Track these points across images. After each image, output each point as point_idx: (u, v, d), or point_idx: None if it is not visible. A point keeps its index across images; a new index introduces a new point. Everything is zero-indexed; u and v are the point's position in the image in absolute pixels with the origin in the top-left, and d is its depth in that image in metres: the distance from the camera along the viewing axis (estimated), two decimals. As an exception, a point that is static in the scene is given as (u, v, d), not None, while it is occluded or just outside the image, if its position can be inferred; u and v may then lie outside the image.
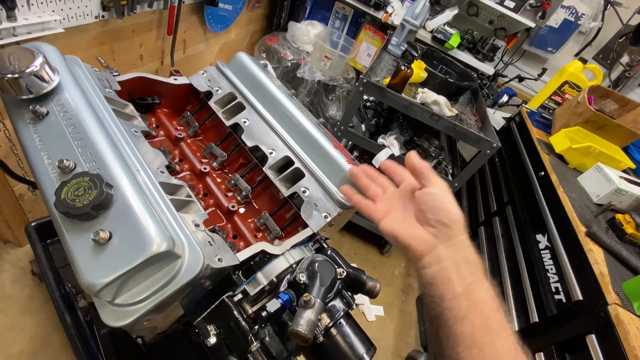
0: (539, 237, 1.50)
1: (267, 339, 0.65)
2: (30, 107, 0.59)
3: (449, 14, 2.28)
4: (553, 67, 2.49)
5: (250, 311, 0.65)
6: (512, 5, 2.23)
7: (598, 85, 2.00)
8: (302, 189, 0.82)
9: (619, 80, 2.47)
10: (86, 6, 1.21)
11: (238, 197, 0.90)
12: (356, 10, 2.56)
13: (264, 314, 0.59)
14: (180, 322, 0.72)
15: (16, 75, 0.58)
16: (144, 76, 0.91)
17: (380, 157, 1.72)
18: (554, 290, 1.28)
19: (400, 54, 2.11)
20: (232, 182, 0.91)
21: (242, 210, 0.89)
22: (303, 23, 2.60)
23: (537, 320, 1.30)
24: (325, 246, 0.78)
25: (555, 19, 2.44)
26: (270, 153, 0.86)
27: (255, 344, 0.61)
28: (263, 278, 0.67)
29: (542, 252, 1.44)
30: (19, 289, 1.41)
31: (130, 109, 0.81)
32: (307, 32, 2.54)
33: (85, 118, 0.60)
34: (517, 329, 1.38)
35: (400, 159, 1.74)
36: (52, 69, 0.63)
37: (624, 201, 1.43)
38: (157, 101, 0.97)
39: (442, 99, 1.60)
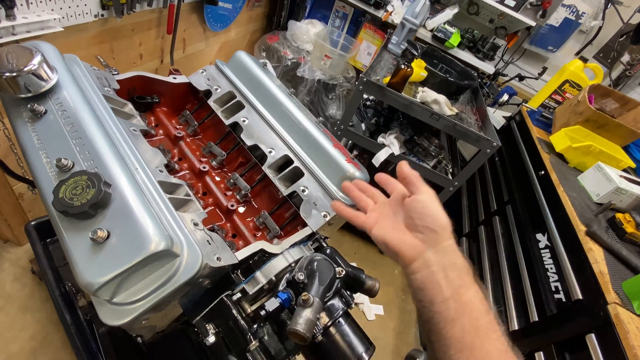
0: (539, 236, 1.50)
1: (265, 338, 0.65)
2: (29, 106, 0.59)
3: (449, 13, 2.28)
4: (553, 66, 2.48)
5: (249, 310, 0.65)
6: (512, 3, 2.22)
7: (598, 84, 2.00)
8: (302, 188, 0.82)
9: (619, 79, 2.46)
10: (85, 5, 1.21)
11: (237, 196, 0.90)
12: (356, 9, 2.56)
13: (262, 313, 0.59)
14: (180, 321, 0.72)
15: (14, 74, 0.57)
16: (143, 75, 0.90)
17: (380, 157, 1.72)
18: (553, 289, 1.28)
19: (400, 52, 2.11)
20: (232, 181, 0.91)
21: (241, 209, 0.89)
22: (303, 22, 2.60)
23: (537, 319, 1.30)
24: (325, 245, 0.78)
25: (556, 18, 2.43)
26: (270, 152, 0.86)
27: (254, 343, 0.61)
28: (262, 277, 0.67)
29: (542, 251, 1.44)
30: (18, 288, 1.41)
31: (129, 107, 0.81)
32: (307, 31, 2.53)
33: (84, 117, 0.60)
34: (516, 328, 1.38)
35: (400, 158, 1.74)
36: (50, 68, 0.63)
37: (624, 200, 1.43)
38: (157, 100, 0.97)
39: (442, 98, 1.60)
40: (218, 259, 0.58)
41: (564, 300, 1.21)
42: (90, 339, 1.13)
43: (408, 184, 0.56)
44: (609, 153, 1.65)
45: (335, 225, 0.87)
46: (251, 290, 0.66)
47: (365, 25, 2.56)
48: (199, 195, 0.89)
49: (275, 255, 0.70)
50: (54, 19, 1.12)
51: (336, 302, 0.65)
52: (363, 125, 1.96)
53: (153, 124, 0.96)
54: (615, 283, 1.06)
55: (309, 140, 0.86)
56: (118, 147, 0.61)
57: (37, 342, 1.30)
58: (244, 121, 0.90)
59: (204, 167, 0.90)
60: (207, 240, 0.60)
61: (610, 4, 2.31)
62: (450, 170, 1.85)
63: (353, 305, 0.69)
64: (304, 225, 0.79)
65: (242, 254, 0.66)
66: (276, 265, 0.68)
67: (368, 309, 1.95)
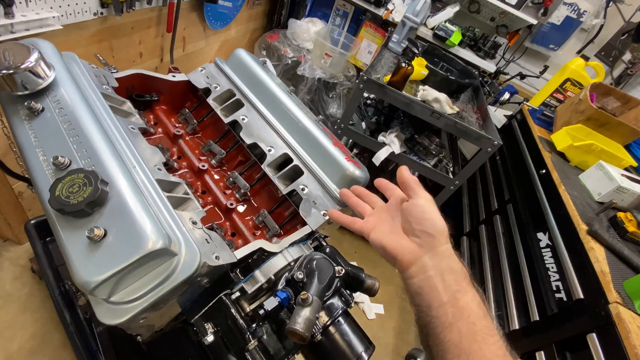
0: (540, 235, 1.49)
1: (264, 337, 0.64)
2: (26, 103, 0.58)
3: (450, 11, 2.27)
4: (555, 65, 2.47)
5: (248, 309, 0.64)
6: (514, 2, 2.21)
7: (600, 82, 1.99)
8: (301, 187, 0.81)
9: (621, 77, 2.45)
10: (84, 3, 1.20)
11: (236, 195, 0.89)
12: (357, 8, 2.55)
13: (261, 312, 0.58)
14: (178, 320, 0.72)
15: (11, 71, 0.57)
16: (142, 73, 0.90)
17: (381, 155, 1.71)
18: (554, 288, 1.27)
19: (401, 51, 2.10)
20: (231, 179, 0.91)
21: (240, 208, 0.89)
22: (303, 20, 2.59)
23: (538, 318, 1.29)
24: (324, 244, 0.77)
25: (557, 16, 2.42)
26: (269, 150, 0.86)
27: (252, 342, 0.61)
28: (261, 276, 0.67)
29: (543, 250, 1.43)
30: (18, 287, 1.41)
31: (128, 105, 0.80)
32: (308, 30, 2.53)
33: (81, 114, 0.60)
34: (517, 327, 1.38)
35: (400, 157, 1.73)
36: (47, 65, 0.63)
37: (625, 199, 1.42)
38: (155, 98, 0.96)
39: (443, 97, 1.59)
40: (216, 257, 0.58)
41: (565, 299, 1.21)
42: (89, 337, 1.13)
43: (407, 188, 0.56)
44: (610, 152, 1.64)
45: (335, 224, 0.87)
46: (250, 289, 0.65)
47: (366, 24, 2.55)
48: (198, 193, 0.88)
49: (274, 254, 0.69)
50: (53, 17, 1.12)
51: (336, 301, 0.65)
52: (363, 124, 1.95)
53: (152, 122, 0.96)
54: (617, 282, 1.05)
55: (308, 139, 0.86)
56: (116, 145, 0.60)
57: (36, 341, 1.30)
58: (243, 119, 0.90)
59: (203, 166, 0.89)
60: (206, 239, 0.60)
61: (611, 2, 2.30)
62: (451, 169, 1.84)
63: (353, 305, 0.69)
64: (304, 224, 0.78)
65: (241, 252, 0.66)
66: (275, 264, 0.68)
67: (368, 308, 1.94)
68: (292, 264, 0.69)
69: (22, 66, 0.58)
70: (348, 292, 0.69)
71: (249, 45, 2.66)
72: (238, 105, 0.92)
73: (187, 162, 0.92)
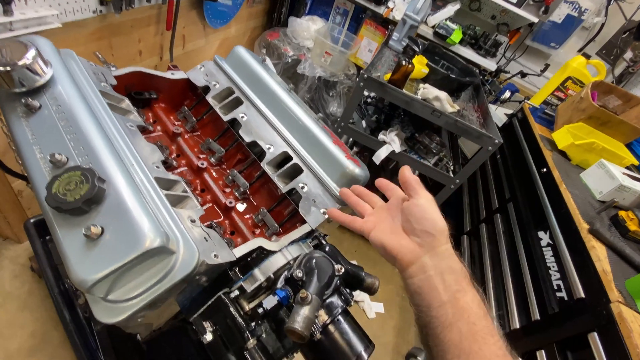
0: (540, 234, 1.48)
1: (263, 336, 0.64)
2: (23, 101, 0.58)
3: (450, 9, 2.26)
4: (556, 63, 2.46)
5: (247, 308, 0.64)
6: (515, 0, 2.20)
7: (601, 80, 1.98)
8: (301, 185, 0.81)
9: (622, 76, 2.44)
10: (84, 1, 1.20)
11: (236, 193, 0.89)
12: (357, 6, 2.54)
13: (260, 310, 0.58)
14: (177, 318, 0.71)
15: (8, 68, 0.57)
16: (140, 70, 0.90)
17: (381, 154, 1.71)
18: (555, 287, 1.27)
19: (401, 49, 2.09)
20: (230, 177, 0.90)
21: (239, 206, 0.88)
22: (303, 18, 2.58)
23: (539, 317, 1.29)
24: (324, 242, 0.77)
25: (559, 14, 2.41)
26: (269, 148, 0.85)
27: (251, 341, 0.60)
28: (260, 274, 0.66)
29: (544, 249, 1.42)
30: (18, 286, 1.41)
31: (126, 103, 0.80)
32: (308, 28, 2.52)
33: (79, 112, 0.59)
34: (518, 326, 1.37)
35: (401, 156, 1.72)
36: (45, 62, 0.62)
37: (627, 198, 1.41)
38: (154, 96, 0.96)
39: (443, 95, 1.59)
40: (215, 256, 0.57)
41: (566, 298, 1.20)
42: (89, 336, 1.12)
43: (408, 187, 0.56)
44: (611, 150, 1.63)
45: (335, 223, 0.86)
46: (249, 287, 0.65)
47: (366, 22, 2.54)
48: (197, 192, 0.88)
49: (273, 252, 0.69)
50: (52, 15, 1.11)
51: (335, 300, 0.64)
52: (364, 123, 1.95)
53: (151, 120, 0.95)
54: (618, 281, 1.05)
55: (308, 137, 0.85)
56: (114, 143, 0.60)
57: (36, 339, 1.29)
58: (242, 117, 0.89)
59: (202, 164, 0.89)
60: (205, 237, 0.59)
61: (613, 1, 2.28)
62: (452, 167, 1.83)
63: (352, 303, 0.68)
64: (303, 222, 0.78)
65: (240, 251, 0.65)
66: (274, 262, 0.68)
67: (368, 307, 1.94)
68: (291, 262, 0.69)
69: (19, 63, 0.57)
70: (348, 290, 0.68)
71: (249, 43, 2.65)
72: (237, 103, 0.92)
73: (186, 160, 0.91)
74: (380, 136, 1.76)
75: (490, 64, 2.36)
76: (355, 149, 2.05)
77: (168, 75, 0.96)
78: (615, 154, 1.63)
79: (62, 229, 0.48)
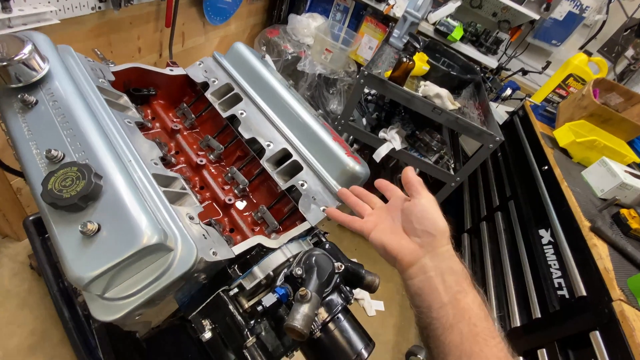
0: (542, 232, 1.48)
1: (263, 334, 0.63)
2: (19, 96, 0.57)
3: (451, 6, 2.24)
4: (557, 61, 2.45)
5: (246, 306, 0.63)
6: (516, -3, 2.19)
7: (603, 78, 1.97)
8: (300, 182, 0.80)
9: (623, 73, 2.43)
10: (82, -3, 1.19)
11: (235, 191, 0.88)
12: (357, 3, 2.52)
13: (259, 308, 0.57)
14: (176, 316, 0.71)
15: (4, 63, 0.56)
16: (139, 67, 0.89)
17: (382, 152, 1.70)
18: (557, 285, 1.26)
19: (402, 46, 2.08)
20: (229, 175, 0.89)
21: (239, 203, 0.88)
22: (304, 16, 2.57)
23: (540, 316, 1.28)
24: (324, 240, 0.76)
25: (560, 12, 2.40)
26: (268, 145, 0.84)
27: (251, 339, 0.60)
28: (259, 272, 0.66)
29: (545, 247, 1.42)
30: (17, 284, 1.40)
31: (125, 99, 0.79)
32: (308, 25, 2.51)
33: (76, 107, 0.59)
34: (519, 324, 1.37)
35: (401, 153, 1.72)
36: (42, 58, 0.61)
37: (628, 196, 1.41)
38: (153, 92, 0.95)
39: (444, 92, 1.58)
40: (214, 253, 0.57)
41: (567, 296, 1.20)
42: (88, 334, 1.12)
43: (410, 188, 0.56)
44: (613, 148, 1.62)
45: (335, 220, 0.86)
46: (248, 285, 0.64)
47: (367, 19, 2.53)
48: (196, 189, 0.87)
49: (273, 250, 0.68)
50: (51, 12, 1.10)
51: (335, 298, 0.64)
52: (364, 120, 1.94)
53: (149, 117, 0.95)
54: (620, 280, 1.04)
55: (308, 134, 0.84)
56: (111, 139, 0.59)
57: (35, 337, 1.29)
58: (241, 114, 0.88)
59: (201, 161, 0.88)
60: (203, 235, 0.59)
61: (614, -2, 2.27)
62: (452, 165, 1.83)
63: (352, 301, 0.68)
64: (303, 219, 0.77)
65: (239, 248, 0.64)
66: (274, 260, 0.67)
67: (368, 304, 1.94)
68: (291, 260, 0.68)
69: (16, 58, 0.57)
70: (348, 288, 0.68)
71: (248, 40, 2.64)
72: (236, 99, 0.91)
73: (185, 157, 0.90)
74: (381, 134, 1.75)
75: (491, 62, 2.35)
76: (355, 146, 2.04)
77: (167, 71, 0.95)
78: (616, 151, 1.63)
79: (58, 226, 0.48)
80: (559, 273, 1.28)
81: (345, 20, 2.66)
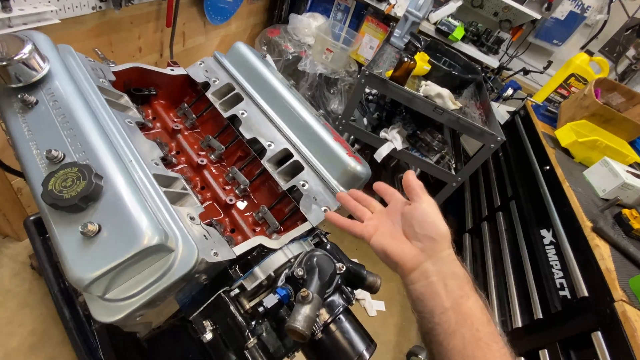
0: (543, 232, 1.47)
1: (264, 335, 0.63)
2: (19, 96, 0.57)
3: (452, 6, 2.24)
4: (559, 60, 2.44)
5: (247, 306, 0.63)
6: (517, -4, 2.19)
7: (605, 78, 1.96)
8: (301, 182, 0.80)
9: (625, 73, 2.42)
10: (82, -4, 1.19)
11: (236, 191, 0.88)
12: (358, 2, 2.52)
13: (260, 309, 0.57)
14: (177, 317, 0.71)
15: (4, 63, 0.56)
16: (139, 67, 0.88)
17: (383, 152, 1.70)
18: (558, 286, 1.26)
19: (403, 46, 2.08)
20: (230, 175, 0.89)
21: (240, 203, 0.87)
22: (304, 15, 2.56)
23: (541, 316, 1.28)
24: (325, 240, 0.76)
25: (561, 11, 2.39)
26: (269, 145, 0.84)
27: (252, 340, 0.60)
28: (260, 273, 0.65)
29: (546, 247, 1.41)
30: (18, 283, 1.40)
31: (125, 99, 0.79)
32: (309, 25, 2.50)
33: (76, 107, 0.58)
34: (520, 325, 1.36)
35: (402, 153, 1.71)
36: (42, 57, 0.61)
37: (630, 196, 1.40)
38: (154, 92, 0.95)
39: (445, 92, 1.57)
40: (215, 254, 0.56)
41: (569, 297, 1.19)
42: (89, 334, 1.12)
43: (411, 192, 0.55)
44: (615, 148, 1.62)
45: (335, 225, 0.86)
46: (249, 286, 0.64)
47: (368, 19, 2.53)
48: (197, 189, 0.87)
49: (274, 250, 0.68)
50: (51, 11, 1.10)
51: (336, 299, 0.63)
52: (365, 120, 1.94)
53: (150, 117, 0.94)
54: (622, 280, 1.03)
55: (309, 133, 0.84)
56: (111, 139, 0.59)
57: (36, 337, 1.29)
58: (242, 114, 0.88)
59: (202, 161, 0.88)
60: (204, 235, 0.58)
61: (615, -2, 2.27)
62: (454, 165, 1.82)
63: (354, 302, 0.67)
64: (304, 220, 0.77)
65: (241, 249, 0.64)
66: (275, 260, 0.67)
67: (369, 305, 1.94)
68: (292, 260, 0.68)
69: (16, 58, 0.56)
70: (349, 289, 0.67)
71: (249, 40, 2.64)
72: (237, 99, 0.91)
73: (186, 157, 0.90)
74: (382, 134, 1.75)
75: (492, 61, 2.34)
76: (356, 146, 2.04)
77: (167, 71, 0.95)
78: (618, 151, 1.62)
79: (58, 227, 0.47)
80: (561, 273, 1.28)
81: (346, 20, 2.66)
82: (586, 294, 1.10)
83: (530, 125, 1.98)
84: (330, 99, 2.62)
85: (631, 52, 2.40)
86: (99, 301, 0.47)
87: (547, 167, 1.62)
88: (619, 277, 1.04)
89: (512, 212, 1.80)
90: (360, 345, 0.60)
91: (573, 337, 1.11)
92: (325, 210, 0.76)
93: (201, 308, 0.63)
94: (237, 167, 0.90)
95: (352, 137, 1.96)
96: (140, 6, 1.46)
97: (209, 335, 0.61)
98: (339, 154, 0.80)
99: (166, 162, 0.83)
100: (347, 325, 0.62)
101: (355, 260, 0.70)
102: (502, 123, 2.19)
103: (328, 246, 0.71)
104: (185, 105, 0.98)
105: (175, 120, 0.97)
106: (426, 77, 1.72)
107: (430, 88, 1.58)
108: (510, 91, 2.29)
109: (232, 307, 0.62)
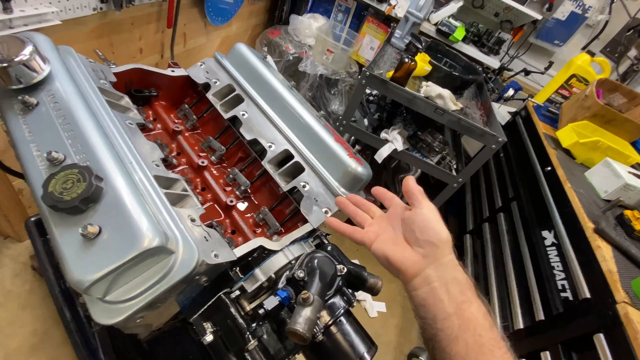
0: (545, 233, 1.47)
1: (265, 337, 0.63)
2: (20, 98, 0.57)
3: (453, 6, 2.24)
4: (560, 61, 2.44)
5: (248, 308, 0.63)
6: (518, -3, 2.18)
7: (606, 78, 1.96)
8: (302, 184, 0.80)
9: (626, 74, 2.42)
10: (83, -3, 1.19)
11: (237, 192, 0.88)
12: (359, 3, 2.52)
13: (261, 311, 0.57)
14: (178, 318, 0.70)
15: (5, 65, 0.56)
16: (140, 68, 0.88)
17: (383, 152, 1.69)
18: (560, 287, 1.25)
19: (404, 46, 2.08)
20: (231, 176, 0.89)
21: (240, 205, 0.87)
22: (305, 16, 2.56)
23: (543, 318, 1.27)
24: (326, 242, 0.76)
25: (562, 12, 2.39)
26: (270, 146, 0.84)
27: (252, 342, 0.59)
28: (261, 274, 0.65)
29: (548, 248, 1.41)
30: (19, 284, 1.40)
31: (126, 100, 0.79)
32: (309, 26, 2.50)
33: (77, 109, 0.58)
34: (522, 326, 1.36)
35: (403, 154, 1.71)
36: (42, 59, 0.61)
37: (632, 197, 1.40)
38: (154, 93, 0.95)
39: (446, 93, 1.57)
40: (215, 255, 0.56)
41: (570, 298, 1.19)
42: (90, 335, 1.12)
43: (411, 197, 0.55)
44: (617, 149, 1.61)
45: (335, 231, 0.85)
46: (250, 288, 0.64)
47: (368, 19, 2.52)
48: (198, 190, 0.87)
49: (275, 252, 0.68)
50: (52, 12, 1.10)
51: (337, 301, 0.63)
52: (366, 121, 1.93)
53: (151, 118, 0.94)
54: (625, 282, 1.03)
55: (309, 135, 0.84)
56: (112, 140, 0.59)
57: (37, 338, 1.29)
58: (243, 115, 0.88)
59: (203, 162, 0.88)
60: (205, 237, 0.58)
61: (617, -2, 2.26)
62: (455, 166, 1.82)
63: (355, 304, 0.67)
64: (305, 221, 0.77)
65: (241, 250, 0.64)
66: (276, 262, 0.66)
67: (370, 306, 1.93)
68: (293, 262, 0.68)
69: (16, 59, 0.56)
70: (350, 291, 0.67)
71: (250, 41, 2.64)
72: (238, 100, 0.91)
73: (187, 159, 0.90)
74: (383, 134, 1.75)
75: (493, 62, 2.34)
76: (357, 147, 2.03)
77: (168, 72, 0.95)
78: (620, 152, 1.62)
79: (58, 228, 0.47)
80: (563, 275, 1.27)
81: (346, 21, 2.66)
82: (588, 295, 1.10)
83: (532, 126, 1.98)
84: (330, 99, 2.62)
85: (633, 53, 2.40)
86: (99, 303, 0.47)
87: (549, 168, 1.61)
88: (621, 279, 1.03)
89: (513, 213, 1.79)
90: (362, 348, 0.60)
91: (575, 339, 1.11)
92: (326, 212, 0.76)
93: (202, 310, 0.63)
94: (238, 168, 0.90)
95: (352, 138, 1.96)
96: (141, 7, 1.46)
97: (209, 337, 0.60)
98: (339, 155, 0.80)
99: (167, 163, 0.83)
100: (348, 328, 0.62)
101: (356, 261, 0.70)
102: (503, 124, 2.19)
103: (329, 248, 0.71)
104: (186, 106, 0.98)
105: (176, 121, 0.97)
106: (427, 77, 1.72)
107: (431, 89, 1.58)
108: (511, 92, 2.28)
109: (232, 309, 0.62)
